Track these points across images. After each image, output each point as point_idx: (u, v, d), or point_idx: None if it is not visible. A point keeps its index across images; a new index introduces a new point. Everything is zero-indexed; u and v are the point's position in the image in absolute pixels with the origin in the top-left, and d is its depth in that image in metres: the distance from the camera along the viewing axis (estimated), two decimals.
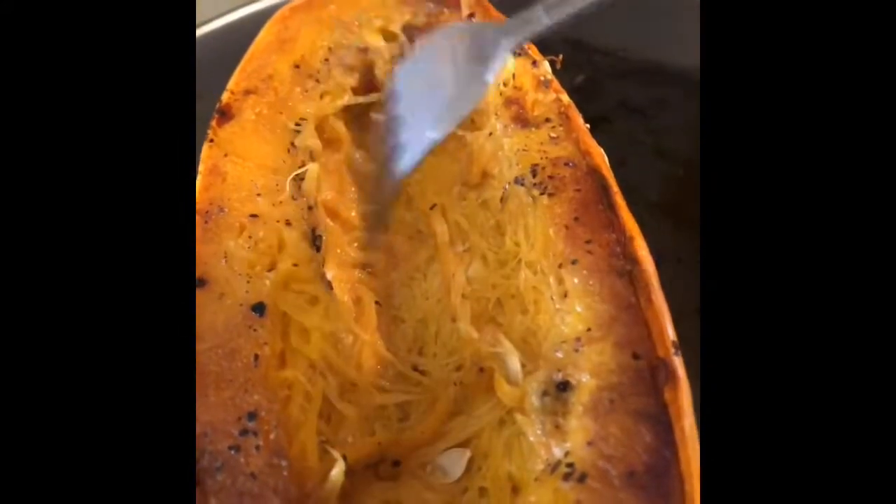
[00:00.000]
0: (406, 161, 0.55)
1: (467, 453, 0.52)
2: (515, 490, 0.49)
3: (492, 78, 0.52)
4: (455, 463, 0.52)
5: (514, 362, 0.52)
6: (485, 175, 0.67)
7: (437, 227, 0.67)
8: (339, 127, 0.71)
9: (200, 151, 0.63)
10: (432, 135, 0.53)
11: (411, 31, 0.74)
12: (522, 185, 0.59)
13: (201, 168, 0.62)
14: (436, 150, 0.75)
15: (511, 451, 0.51)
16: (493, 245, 0.63)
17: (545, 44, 0.76)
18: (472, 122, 0.72)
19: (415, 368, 0.59)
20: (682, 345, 0.54)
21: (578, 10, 0.51)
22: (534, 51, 0.70)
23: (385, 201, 0.59)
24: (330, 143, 0.70)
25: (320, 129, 0.69)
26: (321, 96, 0.70)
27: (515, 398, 0.50)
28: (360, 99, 0.72)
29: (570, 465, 0.43)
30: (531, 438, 0.46)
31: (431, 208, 0.69)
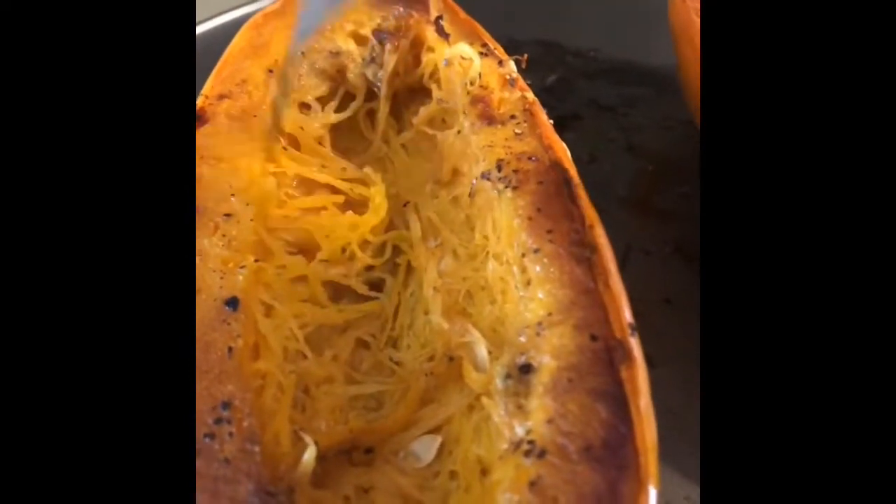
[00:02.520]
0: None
1: (438, 439, 0.54)
2: (484, 472, 0.50)
3: None
4: (427, 448, 0.53)
5: (482, 350, 0.54)
6: (455, 172, 0.69)
7: (410, 225, 0.69)
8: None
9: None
10: None
11: (381, 35, 0.76)
12: (489, 179, 0.61)
13: None
14: (410, 149, 0.78)
15: (479, 434, 0.52)
16: (463, 240, 0.65)
17: (517, 44, 0.78)
18: (443, 122, 0.74)
19: (389, 360, 0.61)
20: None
21: None
22: (500, 51, 0.72)
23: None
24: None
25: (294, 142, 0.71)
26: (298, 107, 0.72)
27: (482, 384, 0.52)
28: (334, 118, 0.73)
29: (530, 442, 0.45)
30: (496, 419, 0.48)
31: (405, 206, 0.71)
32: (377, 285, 0.67)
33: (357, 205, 0.71)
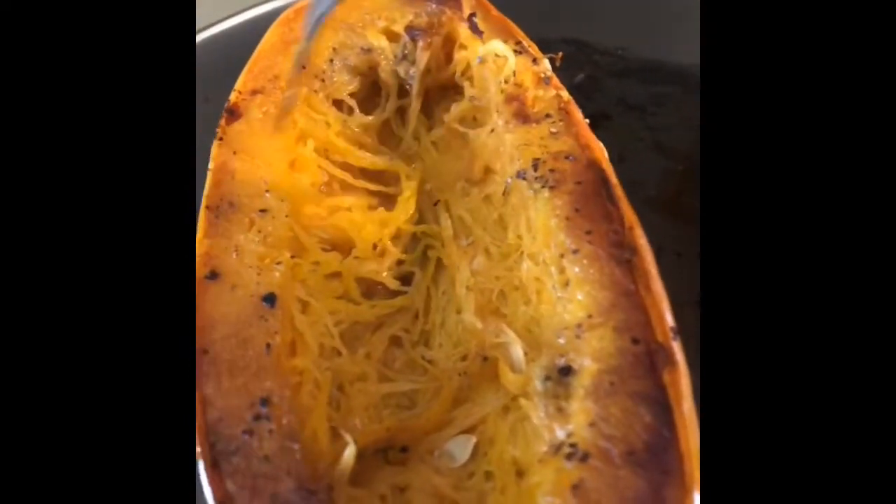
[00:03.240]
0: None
1: (473, 439, 0.54)
2: (520, 473, 0.50)
3: None
4: (462, 448, 0.53)
5: (518, 351, 0.54)
6: (487, 171, 0.69)
7: (441, 222, 0.68)
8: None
9: (198, 152, 0.64)
10: None
11: (413, 32, 0.76)
12: (524, 178, 0.61)
13: (211, 165, 0.64)
14: (440, 147, 0.78)
15: (515, 436, 0.52)
16: (496, 238, 0.64)
17: (546, 43, 0.78)
18: (474, 120, 0.74)
19: (421, 358, 0.61)
20: (682, 335, 0.55)
21: None
22: (534, 49, 0.71)
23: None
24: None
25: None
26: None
27: (519, 385, 0.52)
28: (372, 119, 0.74)
29: (572, 445, 0.44)
30: (535, 421, 0.48)
31: (436, 204, 0.71)
32: (406, 279, 0.67)
33: (387, 202, 0.71)
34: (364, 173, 0.72)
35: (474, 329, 0.59)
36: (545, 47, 0.72)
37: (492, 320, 0.58)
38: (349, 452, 0.47)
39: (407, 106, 0.77)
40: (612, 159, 0.62)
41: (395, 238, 0.67)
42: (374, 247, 0.66)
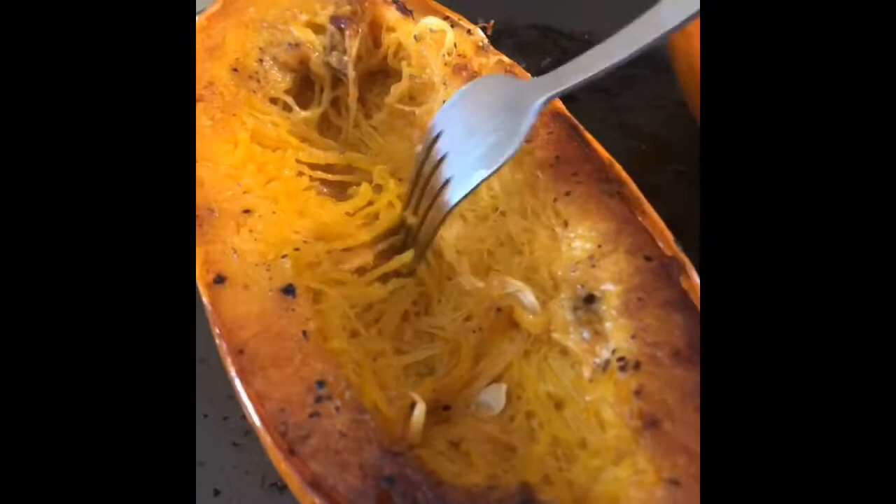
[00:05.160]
0: (457, 193, 0.58)
1: (504, 386, 0.57)
2: (558, 406, 0.54)
3: (524, 134, 0.56)
4: (495, 397, 0.56)
5: (529, 296, 0.57)
6: None
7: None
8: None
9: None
10: (483, 172, 0.56)
11: (339, 21, 0.77)
12: None
13: None
14: (381, 131, 0.80)
15: (543, 374, 0.56)
16: (469, 203, 0.67)
17: (512, 28, 0.79)
18: (411, 99, 0.76)
19: (428, 327, 0.62)
20: None
21: (605, 70, 0.56)
22: (465, 21, 0.74)
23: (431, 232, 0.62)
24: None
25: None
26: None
27: (541, 325, 0.55)
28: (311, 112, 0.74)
29: (621, 358, 0.48)
30: (573, 348, 0.51)
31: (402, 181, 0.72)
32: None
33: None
34: (317, 166, 0.72)
35: (475, 288, 0.61)
36: (511, 32, 0.74)
37: (493, 276, 0.60)
38: (419, 410, 0.49)
39: (342, 96, 0.78)
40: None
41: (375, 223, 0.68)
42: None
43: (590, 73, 0.56)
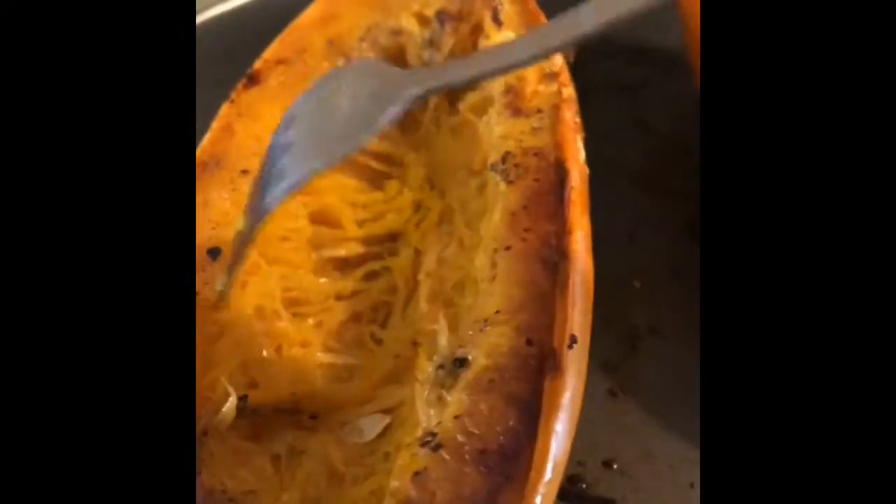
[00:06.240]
0: (280, 188, 0.50)
1: (387, 419, 0.54)
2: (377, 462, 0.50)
3: (383, 124, 0.48)
4: (372, 426, 0.54)
5: (442, 340, 0.53)
6: (485, 163, 0.68)
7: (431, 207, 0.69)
8: None
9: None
10: (314, 164, 0.48)
11: (443, 17, 0.76)
12: (496, 171, 0.60)
13: (214, 125, 0.67)
14: (457, 135, 0.78)
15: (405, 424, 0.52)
16: (472, 230, 0.64)
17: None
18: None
19: (372, 336, 0.61)
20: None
21: (502, 70, 0.51)
22: None
23: (250, 227, 0.52)
24: None
25: None
26: None
27: (424, 372, 0.51)
28: None
29: (432, 434, 0.44)
30: (417, 406, 0.47)
31: (432, 189, 0.71)
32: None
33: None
34: (368, 151, 0.73)
35: (422, 314, 0.59)
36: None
37: (435, 308, 0.57)
38: (229, 405, 0.48)
39: None
40: (593, 137, 0.61)
41: (379, 220, 0.68)
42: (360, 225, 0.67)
43: (483, 69, 0.51)
